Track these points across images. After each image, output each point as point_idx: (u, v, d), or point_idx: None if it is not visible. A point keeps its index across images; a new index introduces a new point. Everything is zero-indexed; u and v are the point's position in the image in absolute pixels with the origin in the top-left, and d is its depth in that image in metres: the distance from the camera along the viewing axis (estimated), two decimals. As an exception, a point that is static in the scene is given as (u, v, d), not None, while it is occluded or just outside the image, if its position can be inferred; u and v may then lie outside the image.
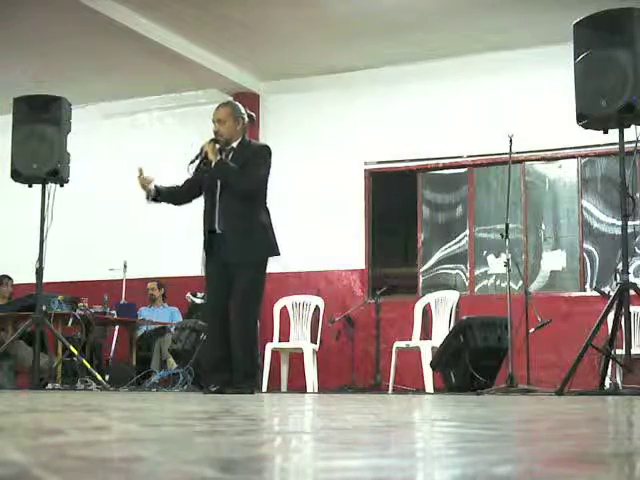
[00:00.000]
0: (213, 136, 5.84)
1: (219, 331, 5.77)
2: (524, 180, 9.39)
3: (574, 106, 5.78)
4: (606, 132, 5.89)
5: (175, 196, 6.07)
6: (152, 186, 5.90)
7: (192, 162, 5.87)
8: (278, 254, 5.84)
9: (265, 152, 5.87)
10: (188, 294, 9.43)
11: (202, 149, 5.80)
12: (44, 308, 7.26)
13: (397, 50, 9.39)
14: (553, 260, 9.32)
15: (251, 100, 9.80)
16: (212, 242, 5.79)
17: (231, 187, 5.72)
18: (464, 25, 8.77)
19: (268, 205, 5.89)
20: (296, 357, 8.67)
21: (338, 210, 9.90)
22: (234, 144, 5.84)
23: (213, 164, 5.72)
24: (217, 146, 5.77)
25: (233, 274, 5.72)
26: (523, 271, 8.54)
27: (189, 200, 6.12)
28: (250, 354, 5.80)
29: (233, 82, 9.96)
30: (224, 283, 5.76)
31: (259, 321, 5.99)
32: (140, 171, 5.86)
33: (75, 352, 7.13)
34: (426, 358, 7.76)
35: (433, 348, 7.76)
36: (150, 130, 10.91)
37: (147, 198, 5.94)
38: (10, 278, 9.15)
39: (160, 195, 5.97)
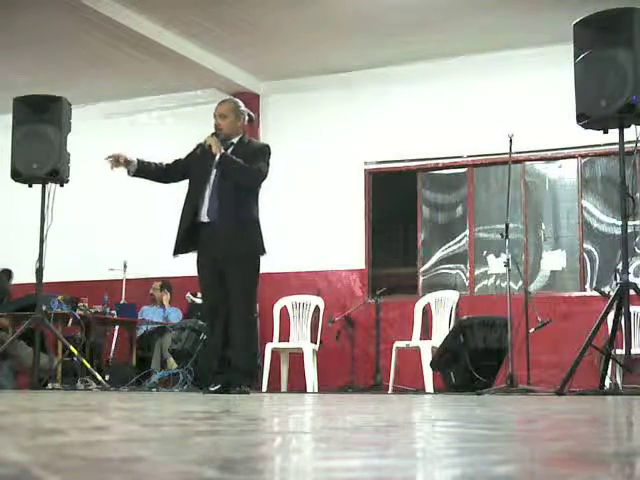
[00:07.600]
0: (213, 131, 5.90)
1: (219, 330, 5.78)
2: (524, 180, 9.39)
3: (574, 106, 5.78)
4: (606, 132, 5.88)
5: (156, 174, 6.07)
6: (133, 165, 5.92)
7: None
8: (264, 253, 5.87)
9: (266, 150, 5.96)
10: (188, 294, 9.44)
11: (204, 142, 5.80)
12: (44, 308, 7.25)
13: (397, 50, 9.38)
14: (553, 260, 9.31)
15: (251, 100, 9.79)
16: (199, 233, 5.80)
17: (233, 180, 5.75)
18: (464, 25, 8.76)
19: (263, 204, 5.96)
20: (296, 357, 8.67)
21: (338, 210, 9.89)
22: (234, 140, 5.92)
23: (217, 157, 5.75)
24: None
25: (224, 269, 5.74)
26: (523, 271, 8.54)
27: (171, 181, 6.16)
28: (251, 353, 5.81)
29: (233, 82, 9.95)
30: (217, 280, 5.78)
31: (258, 319, 6.00)
32: (115, 158, 5.87)
33: (75, 352, 7.13)
34: (426, 358, 7.76)
35: (433, 348, 7.76)
36: (150, 130, 10.90)
37: (128, 173, 5.99)
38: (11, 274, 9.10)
39: (141, 171, 5.99)
